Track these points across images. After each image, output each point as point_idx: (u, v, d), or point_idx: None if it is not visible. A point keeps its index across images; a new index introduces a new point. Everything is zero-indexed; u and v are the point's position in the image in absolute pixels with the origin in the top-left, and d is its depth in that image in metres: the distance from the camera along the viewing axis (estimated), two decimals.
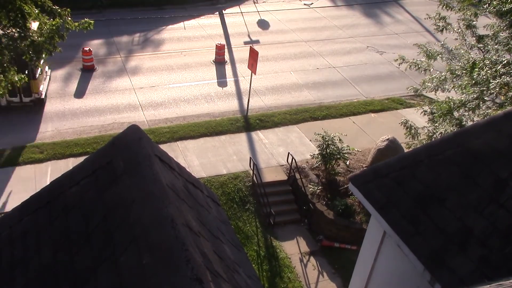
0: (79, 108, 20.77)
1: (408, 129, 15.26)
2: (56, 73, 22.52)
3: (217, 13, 30.64)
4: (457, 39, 15.38)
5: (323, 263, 16.31)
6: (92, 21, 13.42)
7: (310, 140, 19.81)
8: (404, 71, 22.30)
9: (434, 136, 13.92)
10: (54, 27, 12.76)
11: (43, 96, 19.82)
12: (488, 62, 13.31)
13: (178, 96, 22.29)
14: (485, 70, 13.14)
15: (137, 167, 3.70)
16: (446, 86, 14.96)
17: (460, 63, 14.47)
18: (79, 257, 3.38)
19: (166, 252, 3.03)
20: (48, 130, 19.26)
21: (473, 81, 13.38)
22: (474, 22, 14.74)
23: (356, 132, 20.95)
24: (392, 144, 18.15)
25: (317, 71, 25.39)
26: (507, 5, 13.12)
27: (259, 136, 20.29)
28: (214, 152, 19.01)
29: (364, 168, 18.07)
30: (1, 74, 13.25)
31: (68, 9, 12.89)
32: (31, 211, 4.02)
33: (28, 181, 16.53)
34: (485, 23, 14.73)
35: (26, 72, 15.71)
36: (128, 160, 3.79)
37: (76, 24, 13.12)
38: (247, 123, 20.79)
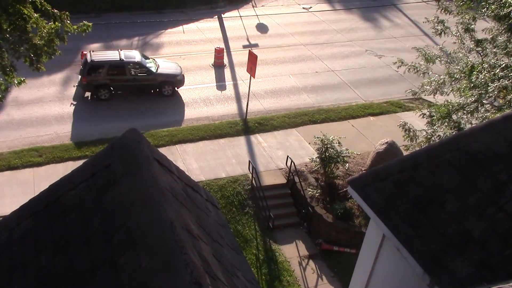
0: (78, 111, 20.76)
1: (406, 132, 15.27)
2: (55, 76, 22.53)
3: (216, 17, 30.69)
4: (455, 42, 15.41)
5: (322, 267, 16.29)
6: (90, 24, 13.45)
7: (309, 144, 19.82)
8: (402, 75, 22.35)
9: (433, 139, 13.93)
10: (53, 31, 12.79)
11: None
12: (486, 65, 13.34)
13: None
14: (483, 73, 13.16)
15: (136, 170, 3.69)
16: (445, 89, 15.00)
17: (459, 67, 14.49)
18: (78, 260, 3.38)
19: (165, 255, 3.03)
20: (47, 134, 19.28)
21: (472, 85, 13.41)
22: (473, 26, 14.77)
23: (355, 136, 20.96)
24: (391, 147, 18.16)
25: (316, 74, 25.43)
26: (505, 9, 13.16)
27: (258, 139, 20.29)
28: (213, 156, 19.01)
29: (363, 171, 18.08)
30: (1, 78, 13.30)
31: (67, 13, 12.91)
32: (30, 214, 4.01)
33: (27, 184, 16.52)
34: (484, 26, 14.77)
35: None
36: (127, 163, 3.79)
37: (75, 27, 13.14)
38: (246, 126, 20.79)
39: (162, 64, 22.54)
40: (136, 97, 21.76)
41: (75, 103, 21.31)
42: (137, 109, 21.22)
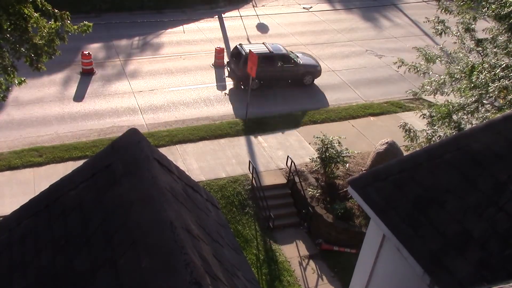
0: (78, 111, 20.78)
1: (407, 132, 15.27)
2: (55, 76, 22.54)
3: (216, 16, 30.69)
4: (456, 42, 15.41)
5: (322, 267, 16.29)
6: (90, 24, 13.45)
7: (309, 144, 19.81)
8: (403, 75, 22.34)
9: (433, 139, 13.93)
10: (53, 30, 12.79)
11: None
12: (487, 65, 13.34)
13: (177, 99, 22.30)
14: (484, 73, 13.16)
15: (136, 170, 3.70)
16: (445, 90, 14.99)
17: (459, 67, 14.49)
18: (78, 260, 3.38)
19: (165, 255, 3.03)
20: (47, 134, 19.29)
21: (472, 85, 13.41)
22: (473, 26, 14.76)
23: (355, 136, 20.96)
24: (391, 148, 18.15)
25: None
26: (505, 8, 13.15)
27: (258, 139, 20.29)
28: (213, 156, 19.01)
29: (363, 171, 18.08)
30: (1, 78, 13.30)
31: (68, 12, 12.92)
32: (30, 214, 4.01)
33: (27, 184, 16.52)
34: (484, 26, 14.76)
35: None
36: (127, 163, 3.79)
37: (75, 27, 13.14)
38: (246, 126, 20.79)
39: (300, 56, 24.33)
40: (281, 86, 23.62)
41: (228, 93, 23.27)
42: (284, 96, 23.14)
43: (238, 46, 23.30)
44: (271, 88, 23.43)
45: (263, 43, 24.03)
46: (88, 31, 13.48)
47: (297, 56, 23.98)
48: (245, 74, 21.95)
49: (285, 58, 23.32)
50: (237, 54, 22.99)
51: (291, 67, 23.29)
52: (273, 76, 23.24)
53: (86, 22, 13.40)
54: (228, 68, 23.59)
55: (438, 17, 15.55)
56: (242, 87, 23.27)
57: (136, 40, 26.96)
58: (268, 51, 23.04)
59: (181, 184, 4.16)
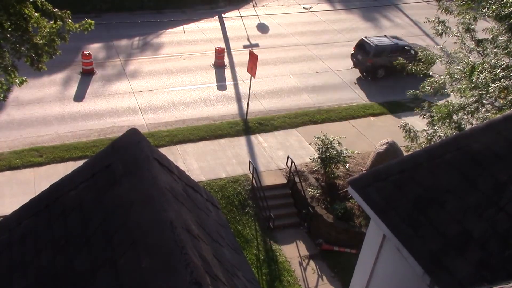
0: (79, 111, 20.78)
1: (407, 133, 15.26)
2: (55, 76, 22.54)
3: (217, 16, 30.68)
4: (456, 42, 15.39)
5: (322, 267, 16.29)
6: (92, 22, 13.41)
7: (310, 144, 19.81)
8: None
9: (433, 139, 13.92)
10: (54, 30, 12.79)
11: None
12: (487, 65, 13.33)
13: (177, 99, 22.30)
14: (484, 73, 13.15)
15: (136, 170, 3.70)
16: (446, 90, 14.98)
17: (459, 67, 14.48)
18: (78, 260, 3.38)
19: (165, 255, 3.03)
20: (48, 134, 19.28)
21: (472, 85, 13.39)
22: (473, 26, 14.75)
23: (356, 136, 20.96)
24: (392, 148, 18.16)
25: (316, 74, 25.43)
26: (506, 9, 13.14)
27: (259, 139, 20.29)
28: (214, 156, 19.00)
29: (364, 171, 18.08)
30: (2, 78, 13.30)
31: (68, 12, 12.91)
32: (30, 214, 4.01)
33: (27, 184, 16.52)
34: (484, 26, 14.74)
35: None
36: (127, 163, 3.79)
37: (77, 25, 13.12)
38: (247, 126, 20.79)
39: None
40: (399, 75, 23.86)
41: (356, 82, 25.28)
42: (402, 84, 23.39)
43: (364, 38, 25.14)
44: (394, 77, 24.65)
45: (384, 36, 26.21)
46: (90, 29, 13.43)
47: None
48: (372, 65, 24.59)
49: (407, 48, 24.98)
50: (363, 46, 24.85)
51: (411, 57, 24.30)
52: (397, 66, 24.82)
53: (88, 20, 13.36)
54: (354, 59, 25.39)
55: (439, 18, 15.53)
56: (366, 76, 25.14)
57: (136, 40, 26.96)
58: (393, 43, 25.10)
59: (181, 184, 4.16)
